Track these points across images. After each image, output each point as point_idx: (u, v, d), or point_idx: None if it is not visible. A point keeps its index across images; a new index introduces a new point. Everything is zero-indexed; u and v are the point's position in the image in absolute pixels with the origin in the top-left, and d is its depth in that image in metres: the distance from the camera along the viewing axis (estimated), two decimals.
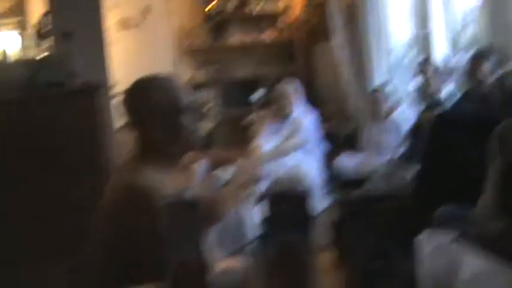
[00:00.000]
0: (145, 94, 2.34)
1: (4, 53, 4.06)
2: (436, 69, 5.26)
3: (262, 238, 1.54)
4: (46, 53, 4.33)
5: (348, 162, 6.26)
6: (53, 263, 3.75)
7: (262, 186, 5.11)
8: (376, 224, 1.30)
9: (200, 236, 1.52)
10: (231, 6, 8.77)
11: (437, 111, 4.89)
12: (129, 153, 2.56)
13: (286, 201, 1.35)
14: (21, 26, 4.96)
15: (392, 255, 1.40)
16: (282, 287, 1.48)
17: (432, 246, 1.47)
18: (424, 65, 5.39)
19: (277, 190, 1.33)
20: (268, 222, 1.47)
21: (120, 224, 2.21)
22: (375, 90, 6.34)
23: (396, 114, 6.11)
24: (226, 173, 4.08)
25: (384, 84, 6.51)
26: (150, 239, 2.11)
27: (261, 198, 1.49)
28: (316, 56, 8.56)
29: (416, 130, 5.06)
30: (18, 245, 3.80)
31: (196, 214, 1.50)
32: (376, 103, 6.15)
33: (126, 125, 4.68)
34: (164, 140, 2.31)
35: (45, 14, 4.34)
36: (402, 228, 1.38)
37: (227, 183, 3.80)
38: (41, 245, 3.80)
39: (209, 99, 8.55)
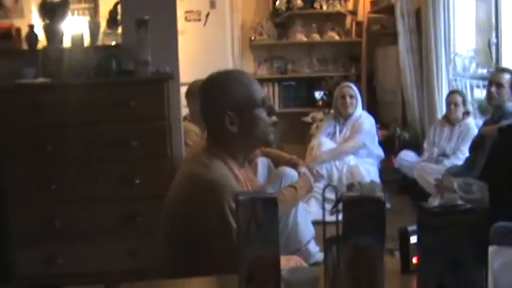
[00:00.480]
0: (223, 87, 2.36)
1: (82, 36, 4.12)
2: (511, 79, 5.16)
3: (337, 241, 1.54)
4: (118, 41, 4.38)
5: (409, 158, 6.29)
6: (114, 245, 3.83)
7: (321, 185, 5.20)
8: (453, 237, 1.29)
9: (276, 231, 1.53)
10: (299, 3, 8.77)
11: (501, 124, 4.81)
12: (198, 145, 2.59)
13: (362, 206, 1.36)
14: (93, 13, 5.02)
15: (468, 268, 1.39)
16: None
17: (499, 262, 1.46)
18: (497, 74, 5.28)
19: (353, 195, 1.34)
20: (343, 225, 1.47)
21: (188, 216, 2.23)
22: (454, 92, 6.29)
23: (468, 120, 6.08)
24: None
25: (459, 90, 6.49)
26: (218, 232, 2.15)
27: (338, 201, 1.49)
28: (380, 59, 8.53)
29: (478, 142, 5.01)
30: (86, 223, 3.87)
31: (276, 210, 1.51)
32: (453, 105, 6.10)
33: (190, 116, 4.80)
34: (239, 133, 2.33)
35: (118, 3, 4.39)
36: (477, 242, 1.37)
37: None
38: (105, 226, 3.87)
39: (270, 95, 8.59)
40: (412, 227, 1.83)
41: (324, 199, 1.66)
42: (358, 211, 1.44)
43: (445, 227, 1.36)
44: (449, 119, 6.20)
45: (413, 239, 1.82)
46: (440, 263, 1.38)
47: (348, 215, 1.45)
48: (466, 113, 6.17)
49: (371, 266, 1.46)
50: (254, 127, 2.36)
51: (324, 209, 1.61)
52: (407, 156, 6.44)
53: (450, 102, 6.16)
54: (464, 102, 6.14)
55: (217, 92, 2.36)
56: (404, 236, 1.84)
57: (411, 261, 1.82)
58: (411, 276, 1.79)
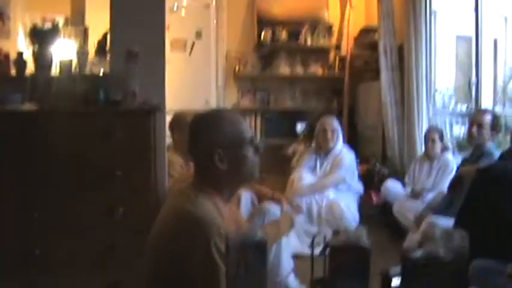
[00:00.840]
0: (213, 125, 2.40)
1: (71, 63, 4.15)
2: (491, 120, 5.25)
3: (324, 282, 1.58)
4: (106, 70, 4.41)
5: (395, 189, 6.35)
6: (95, 275, 3.82)
7: (299, 220, 5.23)
8: (437, 285, 1.33)
9: (265, 276, 1.56)
10: (283, 37, 8.85)
11: (479, 165, 4.88)
12: (183, 178, 2.62)
13: (348, 254, 1.39)
14: (80, 36, 5.04)
15: None
16: None
17: None
18: (479, 115, 5.37)
19: (339, 242, 1.37)
20: (329, 271, 1.51)
21: (173, 252, 2.25)
22: (433, 129, 6.37)
23: (447, 155, 6.16)
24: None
25: (437, 126, 6.58)
26: (204, 270, 2.17)
27: (325, 247, 1.53)
28: (362, 94, 8.61)
29: (457, 182, 5.06)
30: (68, 252, 3.86)
31: (265, 254, 1.55)
32: (431, 141, 6.17)
33: (174, 146, 4.82)
34: (228, 171, 2.36)
35: (107, 33, 4.42)
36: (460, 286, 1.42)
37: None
38: (85, 257, 3.86)
39: (252, 126, 8.63)
40: (394, 269, 1.87)
41: (312, 253, 1.69)
42: (344, 258, 1.49)
43: (429, 276, 1.41)
44: (428, 155, 6.27)
45: (395, 282, 1.86)
46: None
47: (334, 262, 1.49)
48: (444, 148, 6.25)
49: None
50: (242, 165, 2.40)
51: (312, 251, 1.64)
52: (393, 187, 6.47)
53: (428, 138, 6.23)
54: (441, 138, 6.22)
55: (207, 130, 2.40)
56: (386, 279, 1.88)
57: None
58: None
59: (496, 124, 5.31)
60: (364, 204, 6.58)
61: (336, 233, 1.56)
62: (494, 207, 3.43)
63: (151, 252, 2.37)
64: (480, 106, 6.39)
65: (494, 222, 3.25)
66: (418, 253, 1.45)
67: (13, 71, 4.32)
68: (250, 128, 2.52)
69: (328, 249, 1.52)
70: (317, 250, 1.67)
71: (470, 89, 6.50)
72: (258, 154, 2.48)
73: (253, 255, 1.54)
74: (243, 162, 2.41)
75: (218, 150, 2.34)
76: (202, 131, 2.42)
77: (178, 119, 4.81)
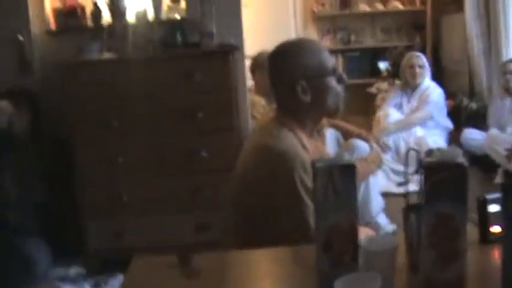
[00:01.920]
0: (294, 56, 2.31)
1: (145, 11, 4.13)
2: None
3: (417, 209, 1.49)
4: (182, 15, 4.38)
5: (475, 136, 6.12)
6: (182, 218, 3.85)
7: (387, 158, 5.12)
8: None
9: (354, 199, 1.49)
10: None
11: None
12: (266, 117, 2.56)
13: (444, 172, 1.30)
14: None
15: None
16: (436, 257, 1.43)
17: None
18: None
19: (434, 161, 1.29)
20: (424, 192, 1.41)
21: (257, 187, 2.21)
22: (509, 61, 6.09)
23: None
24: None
25: None
26: (288, 203, 2.12)
27: (417, 168, 1.44)
28: (446, 28, 8.34)
29: None
30: (153, 197, 3.91)
31: (354, 177, 1.47)
32: (509, 74, 5.90)
33: (256, 88, 4.78)
34: (311, 102, 2.28)
35: None
36: None
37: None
38: (174, 200, 3.90)
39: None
40: (491, 196, 1.78)
41: (407, 168, 1.60)
42: (440, 177, 1.39)
43: None
44: (508, 90, 5.99)
45: (492, 208, 1.76)
46: None
47: (429, 182, 1.40)
48: None
49: (454, 234, 1.41)
50: (326, 95, 2.31)
51: (406, 177, 1.55)
52: (471, 134, 6.24)
53: (506, 71, 5.93)
54: None
55: (288, 61, 2.32)
56: (483, 204, 1.78)
57: (490, 230, 1.77)
58: (491, 246, 1.74)
59: None
60: (453, 141, 6.39)
61: (429, 152, 1.46)
62: None
63: (237, 188, 2.34)
64: None
65: None
66: None
67: (90, 22, 4.35)
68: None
69: (422, 170, 1.42)
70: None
71: None
72: (342, 84, 2.38)
73: (342, 177, 1.46)
74: (327, 92, 2.32)
75: (300, 81, 2.26)
76: (284, 62, 2.33)
77: (258, 59, 4.74)
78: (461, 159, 1.43)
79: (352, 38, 8.89)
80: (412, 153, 1.53)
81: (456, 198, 1.41)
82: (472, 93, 7.30)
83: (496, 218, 1.73)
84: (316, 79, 2.28)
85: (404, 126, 6.09)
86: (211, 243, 2.49)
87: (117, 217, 3.93)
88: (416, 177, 1.46)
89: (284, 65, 2.33)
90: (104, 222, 3.92)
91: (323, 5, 8.77)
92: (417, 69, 6.26)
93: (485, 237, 1.77)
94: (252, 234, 2.21)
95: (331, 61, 2.35)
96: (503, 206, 1.48)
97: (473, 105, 6.87)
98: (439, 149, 1.48)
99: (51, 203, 3.85)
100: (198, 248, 1.80)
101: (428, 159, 1.45)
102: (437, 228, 1.42)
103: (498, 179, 5.14)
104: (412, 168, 1.57)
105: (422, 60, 6.36)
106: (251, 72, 4.85)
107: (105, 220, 3.93)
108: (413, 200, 1.56)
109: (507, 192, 1.37)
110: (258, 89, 4.76)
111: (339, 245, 1.50)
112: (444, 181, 1.40)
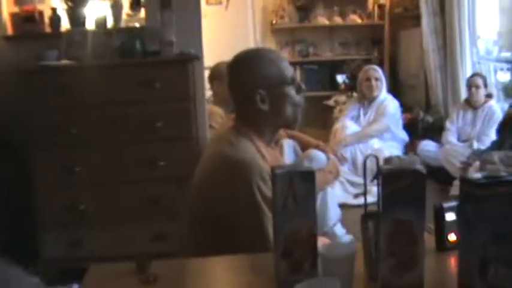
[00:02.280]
0: (253, 64, 2.31)
1: (105, 18, 4.10)
2: None
3: (376, 216, 1.50)
4: (141, 24, 4.36)
5: (431, 148, 6.21)
6: (139, 228, 3.82)
7: (344, 169, 5.15)
8: (498, 208, 1.25)
9: (313, 205, 1.49)
10: None
11: None
12: (224, 127, 2.55)
13: (403, 179, 1.31)
14: None
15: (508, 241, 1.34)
16: (395, 265, 1.44)
17: None
18: None
19: (392, 167, 1.30)
20: (382, 199, 1.42)
21: (215, 196, 2.20)
22: (474, 74, 6.21)
23: (491, 103, 6.00)
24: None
25: (480, 72, 6.41)
26: (247, 212, 2.11)
27: (376, 175, 1.45)
28: (403, 42, 8.44)
29: (506, 123, 4.95)
30: (110, 206, 3.87)
31: (313, 184, 1.47)
32: (475, 87, 6.01)
33: (214, 99, 4.77)
34: (270, 111, 2.28)
35: None
36: None
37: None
38: (131, 209, 3.87)
39: None
40: (447, 204, 1.80)
41: (365, 174, 1.61)
42: (398, 183, 1.41)
43: (489, 198, 1.32)
44: (470, 103, 6.11)
45: (448, 216, 1.78)
46: (484, 236, 1.34)
47: (388, 188, 1.41)
48: (488, 96, 6.08)
49: (412, 240, 1.42)
50: (284, 105, 2.31)
51: (365, 182, 1.56)
52: (427, 146, 6.34)
53: (471, 84, 6.06)
54: (485, 84, 6.05)
55: (247, 70, 2.31)
56: (440, 212, 1.80)
57: (447, 238, 1.79)
58: (447, 254, 1.75)
59: None
60: (408, 153, 6.46)
61: (387, 160, 1.48)
62: None
63: (194, 197, 2.32)
64: None
65: None
66: (478, 174, 1.37)
67: (48, 28, 4.30)
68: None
69: (379, 178, 1.43)
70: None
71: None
72: (301, 94, 2.39)
73: (302, 184, 1.47)
74: (285, 101, 2.32)
75: (259, 89, 2.26)
76: (243, 70, 2.33)
77: (217, 69, 4.73)
78: (419, 166, 1.45)
79: (311, 50, 8.92)
80: (371, 159, 1.54)
81: (414, 205, 1.43)
82: (428, 106, 7.41)
83: (452, 226, 1.75)
84: (274, 88, 2.28)
85: (361, 138, 6.15)
86: (168, 253, 2.47)
87: (73, 226, 3.88)
88: (375, 189, 1.47)
89: (243, 73, 2.32)
90: (61, 232, 3.87)
91: (282, 17, 8.79)
92: (373, 82, 6.34)
93: (442, 245, 1.79)
94: (209, 243, 2.18)
95: (290, 71, 2.34)
96: (459, 213, 1.50)
97: (429, 118, 6.97)
98: (397, 157, 1.50)
99: (4, 211, 3.79)
100: (154, 259, 1.78)
101: (387, 166, 1.46)
102: (395, 235, 1.43)
103: (454, 191, 5.21)
104: (370, 177, 1.58)
105: (378, 73, 6.44)
106: (209, 82, 4.85)
107: (61, 229, 3.88)
108: (372, 209, 1.57)
109: (464, 199, 1.39)
110: (216, 100, 4.76)
111: (298, 252, 1.50)
112: (403, 188, 1.42)
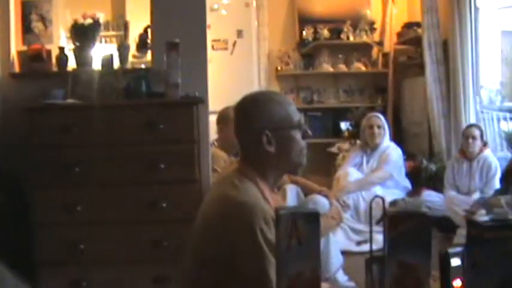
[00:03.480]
0: (262, 105, 2.32)
1: (111, 58, 4.13)
2: None
3: (381, 260, 1.48)
4: (148, 65, 4.39)
5: (434, 198, 6.18)
6: (140, 270, 3.78)
7: (346, 216, 5.14)
8: (506, 252, 1.23)
9: (318, 247, 1.48)
10: (325, 33, 8.76)
11: None
12: (229, 168, 2.55)
13: (408, 221, 1.30)
14: (122, 40, 5.02)
15: None
16: None
17: None
18: None
19: (398, 210, 1.30)
20: (387, 242, 1.41)
21: (218, 238, 2.18)
22: (471, 125, 6.20)
23: (486, 153, 5.98)
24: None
25: (477, 123, 6.42)
26: (249, 255, 2.09)
27: (382, 218, 1.44)
28: (407, 90, 8.49)
29: (509, 172, 4.95)
30: (111, 247, 3.84)
31: (318, 226, 1.46)
32: (471, 138, 5.99)
33: (219, 143, 4.78)
34: (275, 154, 2.28)
35: (148, 27, 4.40)
36: None
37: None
38: (132, 250, 3.83)
39: None
40: (453, 249, 1.78)
41: (371, 216, 1.60)
42: (404, 226, 1.40)
43: (497, 241, 1.31)
44: (465, 153, 6.08)
45: (454, 262, 1.77)
46: (492, 280, 1.32)
47: (393, 231, 1.40)
48: (484, 145, 6.04)
49: (418, 285, 1.41)
50: (290, 148, 2.31)
51: (370, 223, 1.55)
52: (429, 196, 6.30)
53: (468, 135, 6.02)
54: (482, 136, 6.03)
55: (255, 111, 2.32)
56: (445, 258, 1.78)
57: (452, 284, 1.77)
58: None
59: None
60: None
61: (393, 203, 1.47)
62: None
63: (196, 239, 2.30)
64: None
65: None
66: (485, 217, 1.36)
67: (55, 68, 4.34)
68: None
69: (385, 220, 1.42)
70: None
71: None
72: (307, 139, 2.39)
73: (306, 225, 1.46)
74: (291, 145, 2.32)
75: (266, 131, 2.26)
76: (251, 111, 2.33)
77: (222, 113, 4.76)
78: (425, 209, 1.44)
79: (315, 97, 8.95)
80: (377, 200, 1.53)
81: (420, 248, 1.41)
82: (432, 155, 7.40)
83: (457, 272, 1.73)
84: (282, 130, 2.28)
85: (364, 185, 6.14)
86: None
87: (73, 266, 3.84)
88: (379, 236, 1.46)
89: (251, 114, 2.33)
90: (60, 271, 3.84)
91: (287, 63, 8.85)
92: (376, 130, 6.35)
93: None
94: (212, 286, 2.17)
95: (297, 115, 2.35)
96: (466, 256, 1.48)
97: (433, 167, 6.97)
98: (403, 199, 1.49)
99: (3, 246, 3.77)
100: None
101: (393, 209, 1.45)
102: (400, 279, 1.42)
103: (457, 239, 5.18)
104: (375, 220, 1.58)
105: (381, 120, 6.45)
106: (217, 126, 4.87)
107: (61, 268, 3.84)
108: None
109: (471, 242, 1.38)
110: (221, 144, 4.77)
111: None
112: (408, 230, 1.41)
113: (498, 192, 5.04)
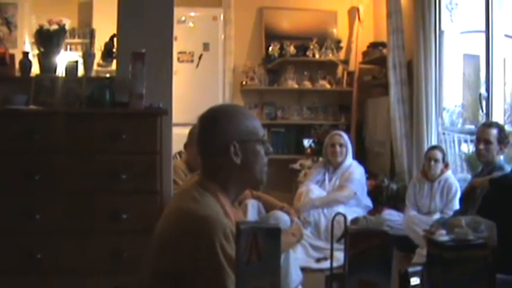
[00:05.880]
0: (230, 117, 2.32)
1: (76, 64, 4.08)
2: (498, 134, 5.12)
3: (341, 277, 1.48)
4: (112, 74, 4.35)
5: (394, 217, 6.22)
6: (98, 280, 3.73)
7: (306, 233, 5.14)
8: (466, 272, 1.24)
9: (278, 262, 1.47)
10: (292, 50, 8.79)
11: (492, 175, 4.82)
12: (189, 181, 2.53)
13: (369, 239, 1.31)
14: (87, 48, 4.98)
15: None
16: None
17: None
18: (484, 130, 5.22)
19: (359, 228, 1.29)
20: (348, 260, 1.41)
21: (177, 252, 2.16)
22: (434, 147, 6.25)
23: (447, 174, 6.03)
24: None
25: (439, 144, 6.49)
26: (208, 269, 2.07)
27: (343, 235, 1.44)
28: (370, 109, 8.56)
29: (469, 193, 4.99)
30: (70, 256, 3.78)
31: (278, 241, 1.46)
32: (434, 161, 6.03)
33: (183, 152, 4.75)
34: (240, 166, 2.27)
35: (114, 35, 4.36)
36: (489, 278, 1.32)
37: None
38: (90, 261, 3.78)
39: None
40: (413, 269, 1.79)
41: (333, 233, 1.60)
42: (365, 244, 1.40)
43: (457, 261, 1.31)
44: (426, 174, 6.11)
45: (414, 281, 1.77)
46: None
47: (354, 249, 1.40)
48: (445, 166, 6.09)
49: None
50: (255, 162, 2.32)
51: (332, 241, 1.55)
52: (390, 215, 6.34)
53: (430, 157, 6.05)
54: (443, 159, 6.07)
55: (225, 121, 2.32)
56: (405, 276, 1.79)
57: None
58: None
59: (503, 137, 5.16)
60: None
61: (354, 220, 1.47)
62: (508, 217, 3.36)
63: (155, 252, 2.27)
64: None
65: (509, 231, 3.14)
66: (445, 236, 1.36)
67: (18, 73, 4.28)
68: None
69: (346, 238, 1.42)
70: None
71: (481, 104, 6.39)
72: (268, 156, 2.40)
73: (266, 241, 1.45)
74: (256, 159, 2.33)
75: (234, 142, 2.26)
76: (221, 121, 2.33)
77: (191, 132, 4.72)
78: (387, 227, 1.44)
79: (279, 113, 8.97)
80: (339, 218, 1.53)
81: (381, 266, 1.41)
82: (393, 174, 7.46)
83: None
84: (249, 143, 2.30)
85: (330, 202, 6.15)
86: None
87: (29, 276, 3.77)
88: (339, 254, 1.46)
89: (221, 123, 2.32)
90: (14, 280, 3.76)
91: (252, 78, 8.85)
92: (337, 148, 6.39)
93: None
94: None
95: (262, 130, 2.38)
96: (427, 276, 1.49)
97: (394, 186, 7.02)
98: (364, 217, 1.49)
99: None
100: None
101: (354, 227, 1.45)
102: None
103: (416, 259, 5.22)
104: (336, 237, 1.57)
105: (344, 139, 6.49)
106: (184, 148, 4.86)
107: (15, 278, 3.77)
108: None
109: (431, 261, 1.38)
110: (186, 159, 4.75)
111: None
112: (369, 248, 1.41)
113: (457, 213, 5.09)
